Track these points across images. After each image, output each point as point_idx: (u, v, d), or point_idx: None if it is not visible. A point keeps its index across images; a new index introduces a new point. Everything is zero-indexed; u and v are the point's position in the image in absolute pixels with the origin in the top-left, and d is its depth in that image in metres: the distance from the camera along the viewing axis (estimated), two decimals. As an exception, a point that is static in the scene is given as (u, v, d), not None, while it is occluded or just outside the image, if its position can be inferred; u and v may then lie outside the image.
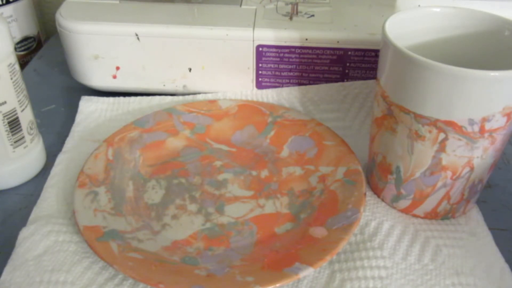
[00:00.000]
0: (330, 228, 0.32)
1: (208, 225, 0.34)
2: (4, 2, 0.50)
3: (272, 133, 0.41)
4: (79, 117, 0.43)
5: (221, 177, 0.37)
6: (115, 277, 0.30)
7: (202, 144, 0.40)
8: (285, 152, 0.39)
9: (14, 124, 0.35)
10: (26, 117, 0.36)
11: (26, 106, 0.36)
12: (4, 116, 0.34)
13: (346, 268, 0.30)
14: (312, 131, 0.40)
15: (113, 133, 0.39)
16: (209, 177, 0.37)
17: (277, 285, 0.28)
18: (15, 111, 0.35)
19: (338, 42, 0.43)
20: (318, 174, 0.37)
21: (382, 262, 0.30)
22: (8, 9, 0.51)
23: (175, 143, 0.40)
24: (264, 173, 0.38)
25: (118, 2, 0.47)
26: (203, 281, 0.28)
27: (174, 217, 0.34)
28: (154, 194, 0.36)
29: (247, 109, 0.43)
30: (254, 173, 0.38)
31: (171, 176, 0.38)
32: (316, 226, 0.32)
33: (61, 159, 0.39)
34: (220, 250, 0.32)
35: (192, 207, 0.35)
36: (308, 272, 0.28)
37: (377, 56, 0.43)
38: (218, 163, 0.39)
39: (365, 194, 0.33)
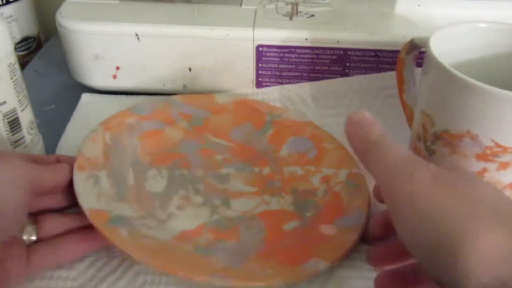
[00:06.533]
0: (339, 227, 0.31)
1: (215, 217, 0.33)
2: (4, 2, 0.50)
3: (271, 131, 0.40)
4: (78, 111, 0.44)
5: (223, 171, 0.37)
6: (115, 272, 0.30)
7: (200, 137, 0.39)
8: (284, 151, 0.39)
9: (14, 124, 0.35)
10: (26, 117, 0.36)
11: (26, 106, 0.36)
12: (4, 116, 0.34)
13: (346, 266, 0.30)
14: (311, 133, 0.39)
15: (109, 117, 0.37)
16: (211, 171, 0.36)
17: (298, 277, 0.28)
18: (15, 111, 0.35)
19: (338, 42, 0.43)
20: (320, 175, 0.36)
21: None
22: (8, 9, 0.51)
23: (173, 133, 0.39)
24: (266, 171, 0.37)
25: (118, 2, 0.47)
26: (220, 270, 0.28)
27: (180, 207, 0.33)
28: (156, 184, 0.35)
29: (244, 106, 0.42)
30: (256, 169, 0.37)
31: (172, 166, 0.36)
32: (325, 224, 0.32)
33: (60, 146, 0.40)
34: (231, 243, 0.31)
35: (197, 198, 0.34)
36: (326, 267, 0.28)
37: (377, 56, 0.43)
38: (218, 157, 0.38)
39: (369, 197, 0.33)
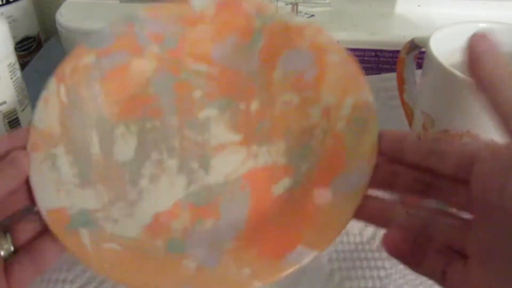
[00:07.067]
0: (336, 191, 0.26)
1: (192, 188, 0.28)
2: (4, 2, 0.50)
3: (261, 44, 0.32)
4: None
5: (202, 115, 0.30)
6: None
7: (175, 65, 0.31)
8: (279, 72, 0.31)
9: (14, 124, 0.35)
10: (26, 117, 0.36)
11: (26, 106, 0.36)
12: (4, 116, 0.34)
13: (346, 267, 0.30)
14: (311, 42, 0.30)
15: (62, 62, 0.30)
16: (188, 117, 0.30)
17: (277, 277, 0.24)
18: (15, 111, 0.35)
19: (338, 42, 0.43)
20: (319, 105, 0.29)
21: (381, 263, 0.31)
22: (8, 9, 0.51)
23: (142, 66, 0.31)
24: (255, 106, 0.30)
25: (118, 2, 0.47)
26: (192, 278, 0.24)
27: (152, 179, 0.28)
28: (125, 146, 0.29)
29: (228, 10, 0.33)
30: (242, 106, 0.30)
31: (142, 118, 0.30)
32: (320, 188, 0.27)
33: None
34: (209, 224, 0.27)
35: (172, 163, 0.29)
36: (311, 258, 0.24)
37: (377, 56, 0.43)
38: (197, 94, 0.31)
39: (378, 143, 0.26)
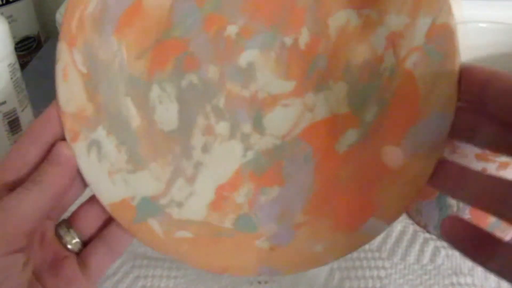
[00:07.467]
0: (408, 149, 0.23)
1: (249, 155, 0.26)
2: (4, 2, 0.50)
3: None
4: None
5: (243, 60, 0.25)
6: (115, 274, 0.30)
7: None
8: None
9: (14, 124, 0.35)
10: (26, 117, 0.36)
11: (26, 106, 0.36)
12: (4, 116, 0.34)
13: (345, 267, 0.30)
14: None
15: (64, 18, 0.24)
16: (228, 64, 0.25)
17: (350, 251, 0.23)
18: (15, 111, 0.35)
19: None
20: (384, 30, 0.23)
21: (380, 263, 0.31)
22: (8, 9, 0.51)
23: None
24: (304, 38, 0.24)
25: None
26: (268, 259, 0.24)
27: (205, 149, 0.26)
28: (166, 113, 0.26)
29: None
30: (288, 41, 0.25)
31: (175, 72, 0.25)
32: (389, 146, 0.23)
33: None
34: (274, 192, 0.25)
35: (222, 127, 0.26)
36: (383, 231, 0.23)
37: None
38: (232, 30, 0.25)
39: (459, 85, 0.21)
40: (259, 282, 0.29)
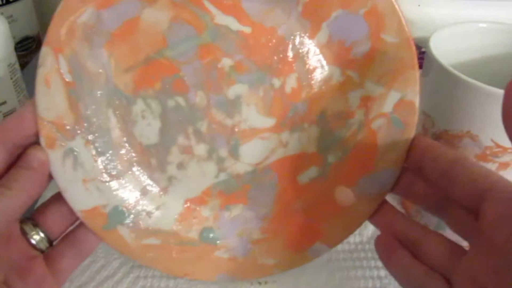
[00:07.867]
0: (360, 192, 0.26)
1: (222, 176, 0.27)
2: (4, 2, 0.50)
3: None
4: None
5: (232, 92, 0.26)
6: (115, 274, 0.30)
7: (197, 18, 0.25)
8: (323, 35, 0.25)
9: (14, 124, 0.35)
10: (26, 117, 0.36)
11: (26, 106, 0.36)
12: (4, 116, 0.34)
13: (345, 267, 0.30)
14: (371, 7, 0.24)
15: (52, 22, 0.23)
16: (216, 93, 0.26)
17: (296, 267, 0.27)
18: (15, 111, 0.35)
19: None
20: (361, 92, 0.26)
21: (380, 263, 0.30)
22: (8, 9, 0.51)
23: (155, 16, 0.25)
24: (291, 83, 0.26)
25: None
26: (226, 268, 0.27)
27: (181, 166, 0.27)
28: (148, 128, 0.26)
29: None
30: (276, 83, 0.26)
31: (163, 91, 0.26)
32: (343, 187, 0.26)
33: None
34: (237, 210, 0.28)
35: (200, 149, 0.27)
36: (324, 253, 0.27)
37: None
38: (227, 63, 0.26)
39: (408, 150, 0.25)
40: (259, 283, 0.29)
